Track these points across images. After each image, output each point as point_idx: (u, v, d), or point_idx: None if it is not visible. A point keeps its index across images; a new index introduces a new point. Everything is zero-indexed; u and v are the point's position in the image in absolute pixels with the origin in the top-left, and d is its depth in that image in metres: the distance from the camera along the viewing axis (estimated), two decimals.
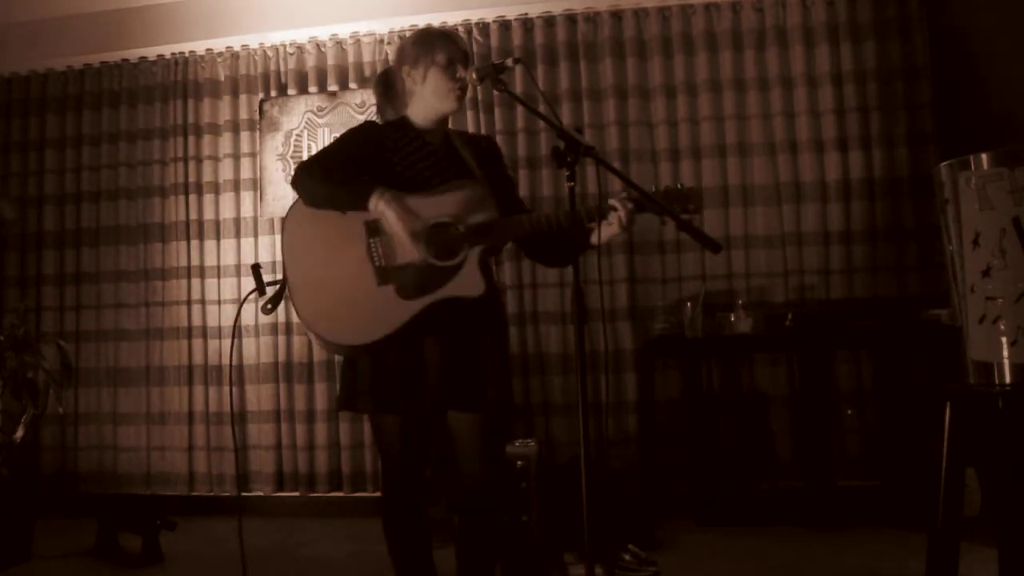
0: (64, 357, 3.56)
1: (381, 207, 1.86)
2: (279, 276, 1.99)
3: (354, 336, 1.89)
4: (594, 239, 1.94)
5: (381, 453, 2.03)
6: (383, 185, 1.89)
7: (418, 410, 1.93)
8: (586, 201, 1.91)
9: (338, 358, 4.11)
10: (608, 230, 1.91)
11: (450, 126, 2.18)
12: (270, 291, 1.99)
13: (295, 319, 4.16)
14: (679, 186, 1.90)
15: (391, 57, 4.20)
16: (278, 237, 4.20)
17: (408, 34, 4.10)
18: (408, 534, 1.99)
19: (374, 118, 4.21)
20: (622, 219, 1.86)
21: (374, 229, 1.92)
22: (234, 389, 4.14)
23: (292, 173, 1.95)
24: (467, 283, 1.90)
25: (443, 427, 2.02)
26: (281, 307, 4.43)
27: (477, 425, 2.01)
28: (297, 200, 1.98)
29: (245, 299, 2.33)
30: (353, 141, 2.03)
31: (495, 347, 2.02)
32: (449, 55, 2.00)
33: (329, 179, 1.91)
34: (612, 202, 1.87)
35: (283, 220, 2.00)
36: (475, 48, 4.05)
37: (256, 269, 2.05)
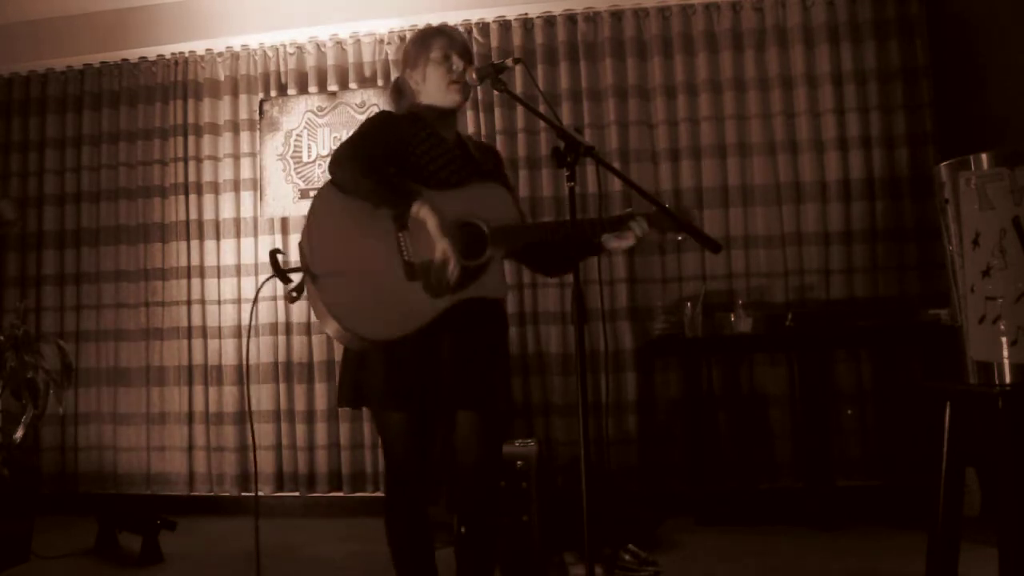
0: (64, 357, 3.55)
1: (423, 215, 1.82)
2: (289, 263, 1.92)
3: (379, 330, 1.84)
4: (606, 246, 1.97)
5: (385, 451, 2.01)
6: (420, 186, 1.88)
7: (427, 407, 1.91)
8: (601, 209, 1.90)
9: (338, 355, 4.07)
10: (622, 243, 1.94)
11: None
12: (293, 279, 1.91)
13: (295, 319, 4.17)
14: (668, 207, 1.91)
15: (391, 57, 4.20)
16: (278, 237, 4.21)
17: (408, 35, 4.14)
18: (410, 534, 1.97)
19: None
20: (638, 235, 1.89)
21: (404, 223, 1.87)
22: (234, 389, 4.15)
23: (331, 156, 1.87)
24: (493, 284, 1.91)
25: (446, 426, 2.02)
26: (280, 308, 4.39)
27: (482, 424, 2.01)
28: (325, 188, 1.90)
29: (262, 285, 2.23)
30: (381, 128, 1.97)
31: (501, 347, 2.04)
32: (444, 49, 1.99)
33: (373, 175, 1.84)
34: (632, 224, 1.90)
35: (310, 207, 1.93)
36: (475, 48, 4.04)
37: (274, 256, 1.93)
